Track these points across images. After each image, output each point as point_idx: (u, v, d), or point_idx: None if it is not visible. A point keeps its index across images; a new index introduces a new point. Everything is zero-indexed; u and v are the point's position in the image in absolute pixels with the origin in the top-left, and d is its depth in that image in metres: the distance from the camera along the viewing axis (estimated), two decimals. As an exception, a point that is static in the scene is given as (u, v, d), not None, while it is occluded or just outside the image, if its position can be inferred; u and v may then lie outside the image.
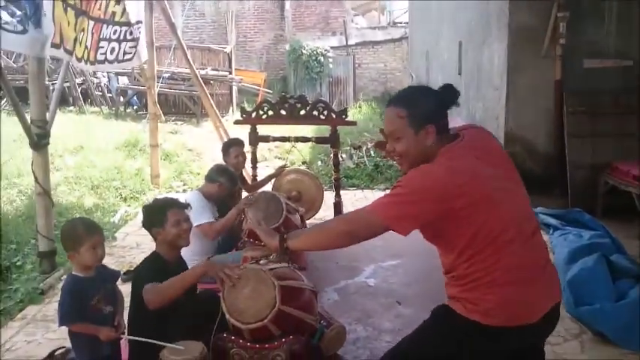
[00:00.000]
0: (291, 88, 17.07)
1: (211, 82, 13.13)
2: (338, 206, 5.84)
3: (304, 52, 16.39)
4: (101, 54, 6.20)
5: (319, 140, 5.90)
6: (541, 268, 2.15)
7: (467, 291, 2.10)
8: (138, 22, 6.98)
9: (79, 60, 5.34)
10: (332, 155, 5.92)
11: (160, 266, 2.87)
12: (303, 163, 8.86)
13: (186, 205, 3.11)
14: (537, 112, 7.25)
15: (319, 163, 8.52)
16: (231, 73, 13.71)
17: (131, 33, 6.78)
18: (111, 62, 6.60)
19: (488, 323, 2.03)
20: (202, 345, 2.56)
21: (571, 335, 3.59)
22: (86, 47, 5.51)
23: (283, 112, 5.71)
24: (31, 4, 4.17)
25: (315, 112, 5.62)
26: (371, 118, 11.87)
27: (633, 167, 6.19)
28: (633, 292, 3.65)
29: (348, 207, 6.77)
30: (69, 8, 4.90)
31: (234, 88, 13.74)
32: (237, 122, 6.09)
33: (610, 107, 7.00)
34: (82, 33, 5.33)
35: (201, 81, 11.91)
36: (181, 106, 13.17)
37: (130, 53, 6.90)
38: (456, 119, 9.06)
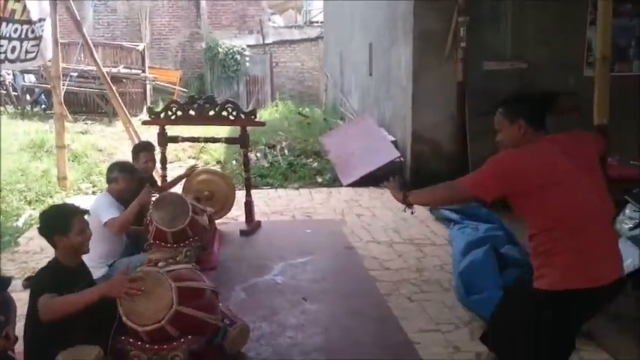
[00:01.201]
0: (208, 86, 16.92)
1: (124, 80, 12.81)
2: (249, 205, 5.91)
3: (220, 50, 16.28)
4: (0, 53, 5.96)
5: (229, 141, 5.94)
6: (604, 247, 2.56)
7: (540, 258, 2.56)
8: (41, 20, 6.74)
9: None
10: (242, 155, 5.95)
11: (60, 274, 2.82)
12: (218, 162, 8.85)
13: (87, 211, 3.08)
14: (442, 113, 7.60)
15: (234, 162, 8.51)
16: (144, 71, 13.41)
17: (33, 31, 6.54)
18: (12, 61, 6.35)
19: (554, 288, 2.45)
20: (98, 348, 2.57)
21: (462, 322, 3.82)
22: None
23: (192, 113, 5.70)
24: None
25: (225, 113, 5.65)
26: (287, 117, 11.96)
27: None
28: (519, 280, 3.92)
29: (261, 206, 6.87)
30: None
31: (148, 87, 13.46)
32: (145, 123, 6.01)
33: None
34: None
35: (109, 79, 11.66)
36: (92, 105, 12.78)
37: (33, 52, 6.66)
38: (368, 119, 9.35)
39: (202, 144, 5.97)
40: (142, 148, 5.24)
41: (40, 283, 2.78)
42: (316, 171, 8.29)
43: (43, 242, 4.40)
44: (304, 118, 11.08)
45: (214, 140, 6.00)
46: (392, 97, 8.71)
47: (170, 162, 8.88)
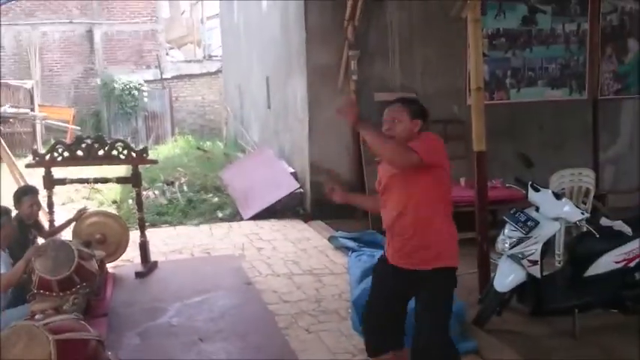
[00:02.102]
0: (105, 123, 16.39)
1: (11, 120, 12.19)
2: (143, 246, 5.74)
3: (117, 86, 15.84)
4: None
5: (120, 180, 5.78)
6: None
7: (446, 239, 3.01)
8: None
9: None
10: (135, 194, 5.80)
11: None
12: (113, 202, 8.56)
13: None
14: (338, 143, 7.80)
15: (130, 201, 8.24)
16: (33, 110, 12.82)
17: None
18: None
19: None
20: None
21: (358, 350, 3.86)
22: None
23: (80, 153, 5.51)
24: None
25: (115, 152, 5.51)
26: (187, 152, 11.80)
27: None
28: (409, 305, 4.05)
29: (158, 245, 6.69)
30: None
31: (38, 126, 12.86)
32: (28, 166, 5.74)
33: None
34: None
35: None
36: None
37: None
38: (267, 151, 9.40)
39: (92, 185, 5.70)
40: (25, 193, 5.00)
41: None
42: (217, 206, 8.21)
43: None
44: (203, 152, 10.98)
45: (105, 180, 5.81)
46: (290, 129, 8.84)
47: (62, 204, 8.56)
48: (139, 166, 5.65)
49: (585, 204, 5.71)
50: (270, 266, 5.83)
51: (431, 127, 7.89)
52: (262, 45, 10.37)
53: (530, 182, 4.34)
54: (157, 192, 8.60)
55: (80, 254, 4.10)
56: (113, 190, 8.80)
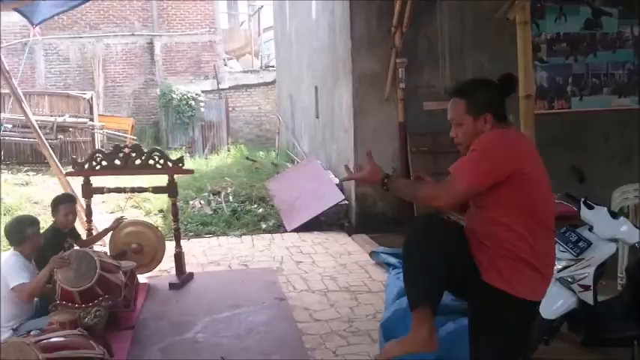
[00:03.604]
0: (163, 133, 16.70)
1: (70, 129, 12.53)
2: (179, 257, 5.65)
3: (175, 96, 16.11)
4: None
5: (157, 190, 5.70)
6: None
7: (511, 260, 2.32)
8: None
9: None
10: (171, 205, 5.72)
11: None
12: (160, 211, 8.58)
13: None
14: (384, 154, 7.51)
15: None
16: (92, 119, 13.15)
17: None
18: None
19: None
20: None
21: (386, 378, 3.61)
22: None
23: (118, 162, 5.49)
24: None
25: (151, 162, 5.45)
26: (237, 162, 11.77)
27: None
28: (444, 329, 3.73)
29: (198, 256, 6.63)
30: None
31: (97, 136, 13.18)
32: (68, 174, 5.77)
33: (450, 146, 7.37)
34: None
35: (55, 128, 11.40)
36: (37, 156, 12.42)
37: None
38: (314, 161, 9.22)
39: (129, 194, 5.68)
40: (61, 201, 5.00)
41: None
42: (261, 217, 8.07)
43: None
44: (252, 162, 10.91)
45: (141, 190, 5.77)
46: (336, 138, 8.63)
47: (111, 212, 8.66)
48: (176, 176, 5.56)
49: (651, 223, 5.20)
50: (306, 281, 5.61)
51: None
52: (311, 53, 10.23)
53: (583, 198, 3.95)
54: (202, 202, 8.56)
55: (103, 266, 4.01)
56: (160, 200, 8.82)
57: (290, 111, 13.01)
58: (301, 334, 4.33)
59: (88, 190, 5.58)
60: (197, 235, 7.60)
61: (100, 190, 5.64)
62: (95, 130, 13.00)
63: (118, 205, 8.75)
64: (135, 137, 14.25)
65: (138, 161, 5.46)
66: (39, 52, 17.01)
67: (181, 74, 17.83)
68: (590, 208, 3.88)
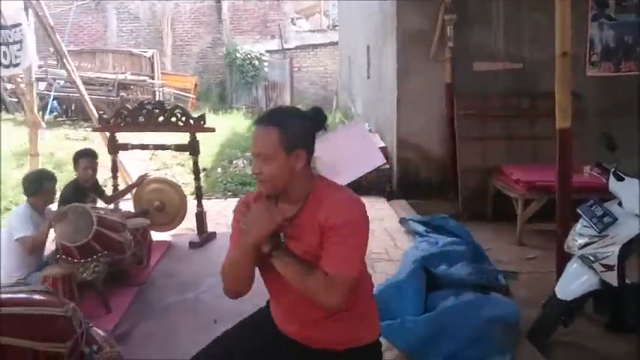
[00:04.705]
0: (228, 92, 16.80)
1: (132, 86, 12.79)
2: (200, 216, 5.60)
3: (238, 55, 16.12)
4: None
5: (178, 148, 5.65)
6: None
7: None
8: (15, 26, 6.66)
9: None
10: (192, 163, 5.66)
11: None
12: (203, 170, 8.60)
13: None
14: (429, 117, 7.13)
15: (219, 170, 8.27)
16: (153, 77, 13.36)
17: (10, 36, 6.48)
18: (6, 67, 6.32)
19: None
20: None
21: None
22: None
23: (141, 119, 5.46)
24: None
25: (174, 119, 5.39)
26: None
27: (517, 171, 6.06)
28: (444, 304, 3.47)
29: (229, 216, 6.53)
30: None
31: (157, 93, 13.40)
32: (95, 130, 5.82)
33: (501, 110, 6.90)
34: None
35: (116, 85, 11.61)
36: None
37: (19, 57, 6.61)
38: (359, 124, 8.91)
39: (153, 151, 5.65)
40: (81, 155, 5.02)
41: None
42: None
43: None
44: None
45: (163, 147, 5.74)
46: (383, 100, 8.27)
47: (157, 169, 8.79)
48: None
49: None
50: (328, 246, 5.42)
51: (540, 101, 6.92)
52: (366, 10, 9.80)
53: (612, 168, 3.51)
54: (245, 161, 8.49)
55: (102, 222, 3.99)
56: (206, 159, 8.85)
57: (348, 72, 12.67)
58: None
59: (113, 146, 5.61)
60: (234, 195, 7.57)
61: (125, 147, 5.65)
62: (155, 88, 13.21)
63: (163, 163, 8.85)
64: (193, 96, 14.36)
65: (161, 118, 5.42)
66: (111, 10, 17.43)
67: (247, 33, 17.79)
68: (621, 179, 3.45)
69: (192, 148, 5.44)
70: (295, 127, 2.00)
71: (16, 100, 12.89)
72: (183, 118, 5.36)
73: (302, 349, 2.13)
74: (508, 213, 6.04)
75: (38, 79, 12.99)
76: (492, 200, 6.66)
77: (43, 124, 7.64)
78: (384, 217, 6.38)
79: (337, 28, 18.42)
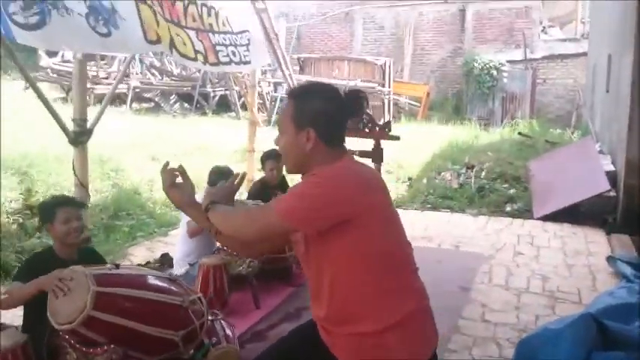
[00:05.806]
0: (464, 103, 16.32)
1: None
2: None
3: (476, 65, 15.53)
4: (223, 56, 6.62)
5: (363, 154, 5.54)
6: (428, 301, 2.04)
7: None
8: (243, 32, 7.32)
9: (194, 60, 5.68)
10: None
11: (47, 262, 2.91)
12: (409, 179, 8.44)
13: (81, 205, 3.16)
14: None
15: (425, 180, 8.04)
16: (383, 85, 13.56)
17: (236, 40, 7.15)
18: (237, 64, 7.04)
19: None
20: (25, 337, 2.64)
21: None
22: (199, 52, 5.84)
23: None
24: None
25: (360, 125, 5.32)
26: (511, 136, 10.78)
27: None
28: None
29: (418, 230, 6.31)
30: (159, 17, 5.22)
31: (386, 101, 13.57)
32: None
33: None
34: (178, 37, 5.65)
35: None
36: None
37: (247, 57, 7.29)
38: (589, 143, 7.86)
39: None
40: (268, 156, 5.24)
41: (18, 269, 2.97)
42: (508, 198, 7.27)
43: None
44: (525, 138, 9.84)
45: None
46: (619, 117, 7.16)
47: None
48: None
49: None
50: (510, 276, 4.86)
51: None
52: (612, 15, 8.60)
53: None
54: (453, 174, 8.11)
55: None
56: (413, 168, 8.68)
57: (591, 84, 11.32)
58: (452, 332, 3.77)
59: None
60: (434, 208, 7.26)
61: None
62: (384, 96, 13.39)
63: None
64: (418, 104, 14.18)
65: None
66: (358, 20, 18.23)
67: (490, 42, 17.06)
68: None
69: (376, 155, 5.30)
70: (312, 105, 1.90)
71: (260, 101, 14.23)
72: (369, 125, 5.25)
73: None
74: None
75: (276, 84, 14.19)
76: None
77: (260, 123, 8.21)
78: (593, 253, 5.51)
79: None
